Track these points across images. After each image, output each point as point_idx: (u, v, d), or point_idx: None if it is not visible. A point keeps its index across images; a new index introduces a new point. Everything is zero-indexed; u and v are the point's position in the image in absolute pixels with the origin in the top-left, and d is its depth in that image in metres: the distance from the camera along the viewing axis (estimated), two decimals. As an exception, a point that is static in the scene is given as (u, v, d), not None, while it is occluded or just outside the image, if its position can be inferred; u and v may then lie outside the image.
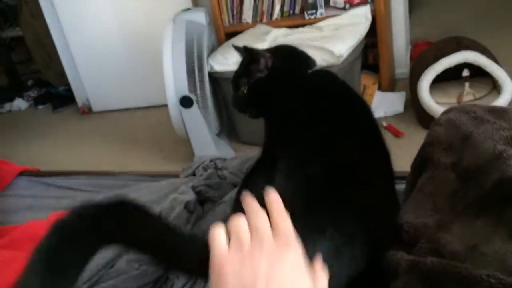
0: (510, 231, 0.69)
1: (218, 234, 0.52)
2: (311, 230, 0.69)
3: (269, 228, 0.51)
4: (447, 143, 0.88)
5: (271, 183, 0.75)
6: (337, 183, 0.77)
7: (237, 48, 1.13)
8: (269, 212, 0.53)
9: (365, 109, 0.94)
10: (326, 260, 0.56)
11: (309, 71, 1.02)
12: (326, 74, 1.05)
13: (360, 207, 0.77)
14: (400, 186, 0.96)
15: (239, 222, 0.52)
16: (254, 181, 0.83)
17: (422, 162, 0.90)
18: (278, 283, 0.47)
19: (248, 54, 1.05)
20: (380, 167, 0.86)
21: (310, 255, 0.53)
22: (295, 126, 0.88)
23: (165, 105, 2.28)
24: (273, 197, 0.55)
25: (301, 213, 0.69)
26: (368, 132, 0.90)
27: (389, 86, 2.66)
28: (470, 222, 0.74)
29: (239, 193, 0.90)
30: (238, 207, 0.83)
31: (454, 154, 0.86)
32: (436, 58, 2.22)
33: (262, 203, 0.55)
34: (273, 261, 0.48)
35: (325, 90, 0.96)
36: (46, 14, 3.22)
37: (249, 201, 0.55)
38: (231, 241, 0.51)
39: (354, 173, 0.80)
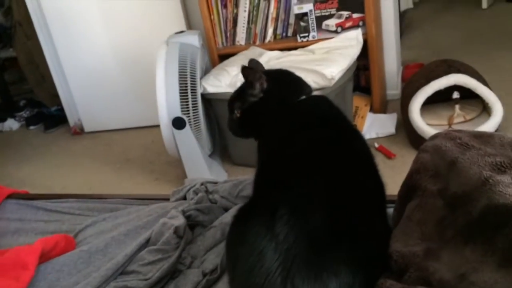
0: (499, 260, 0.69)
1: None
2: (315, 281, 0.70)
3: None
4: (434, 170, 0.88)
5: (271, 230, 0.74)
6: (339, 230, 0.77)
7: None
8: None
9: (359, 139, 0.95)
10: None
11: (303, 97, 1.02)
12: (320, 100, 1.05)
13: (360, 252, 0.76)
14: (390, 210, 0.96)
15: None
16: (253, 227, 0.78)
17: (409, 189, 0.90)
18: None
19: (244, 76, 1.04)
20: (377, 201, 0.86)
21: None
22: (288, 157, 0.88)
23: (158, 126, 2.28)
24: None
25: (303, 265, 0.70)
26: (363, 164, 0.90)
27: (381, 107, 2.68)
28: (459, 250, 0.74)
29: (231, 232, 0.86)
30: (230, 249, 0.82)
31: (441, 181, 0.86)
32: (427, 81, 2.24)
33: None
34: None
35: (318, 118, 0.96)
36: (40, 35, 3.23)
37: None
38: None
39: (354, 214, 0.80)
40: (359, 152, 0.91)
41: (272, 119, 0.99)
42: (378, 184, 0.89)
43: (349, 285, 0.73)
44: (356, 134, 0.97)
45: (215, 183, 1.27)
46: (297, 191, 0.80)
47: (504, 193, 0.75)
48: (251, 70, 1.03)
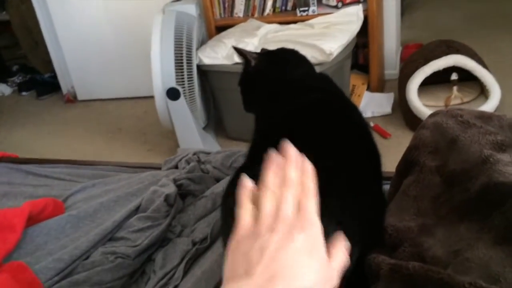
0: (494, 237, 0.68)
1: (244, 211, 0.52)
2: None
3: (291, 207, 0.51)
4: (433, 147, 0.87)
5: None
6: (336, 184, 0.75)
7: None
8: (300, 190, 0.53)
9: (357, 113, 0.93)
10: None
11: (302, 74, 1.01)
12: (319, 77, 1.04)
13: (358, 211, 0.75)
14: (385, 187, 0.94)
15: (266, 199, 0.52)
16: None
17: (407, 165, 0.88)
18: (280, 266, 0.47)
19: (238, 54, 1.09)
20: (373, 169, 0.85)
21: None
22: (283, 125, 0.86)
23: (152, 97, 2.24)
24: (306, 166, 0.55)
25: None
26: (360, 134, 0.88)
27: (378, 86, 2.65)
28: (454, 226, 0.73)
29: (225, 197, 0.85)
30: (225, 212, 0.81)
31: (440, 158, 0.85)
32: (426, 61, 2.21)
33: None
34: (283, 243, 0.48)
35: (314, 90, 0.94)
36: (33, -1, 3.15)
37: (288, 154, 0.55)
38: (254, 217, 0.51)
39: (350, 176, 0.78)
40: (357, 123, 0.89)
41: (266, 94, 1.00)
42: (375, 154, 0.87)
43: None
44: (354, 108, 0.96)
45: (208, 153, 1.25)
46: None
47: (503, 171, 0.73)
48: (240, 49, 1.08)
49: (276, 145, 0.82)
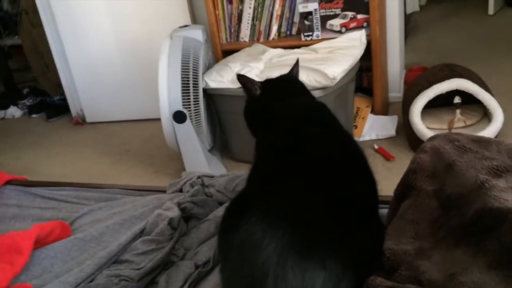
0: (489, 261, 0.69)
1: None
2: (310, 266, 0.71)
3: None
4: (431, 171, 0.89)
5: (267, 222, 0.75)
6: (330, 225, 0.77)
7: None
8: None
9: (350, 141, 0.96)
10: None
11: (299, 102, 1.06)
12: (316, 105, 1.08)
13: (351, 247, 0.77)
14: (384, 210, 0.96)
15: None
16: (249, 218, 0.78)
17: (405, 188, 0.90)
18: None
19: (240, 83, 1.17)
20: (368, 199, 0.87)
21: None
22: (280, 154, 0.90)
23: (159, 119, 2.28)
24: None
25: (295, 259, 0.70)
26: (354, 163, 0.91)
27: (383, 109, 2.68)
28: (450, 250, 0.74)
29: (224, 222, 0.88)
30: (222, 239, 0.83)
31: (437, 182, 0.86)
32: (429, 84, 2.24)
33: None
34: None
35: (309, 120, 0.98)
36: (45, 24, 3.24)
37: None
38: None
39: (346, 210, 0.80)
40: (350, 153, 0.92)
41: (265, 120, 1.06)
42: (370, 183, 0.89)
43: (339, 277, 0.73)
44: (347, 137, 0.99)
45: (212, 177, 1.28)
46: (290, 187, 0.80)
47: (498, 197, 0.75)
48: (245, 76, 1.17)
49: (273, 175, 0.85)
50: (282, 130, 0.96)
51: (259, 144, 1.01)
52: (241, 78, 1.16)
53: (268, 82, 1.18)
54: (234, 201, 0.87)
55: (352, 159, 0.91)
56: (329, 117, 1.02)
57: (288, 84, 1.16)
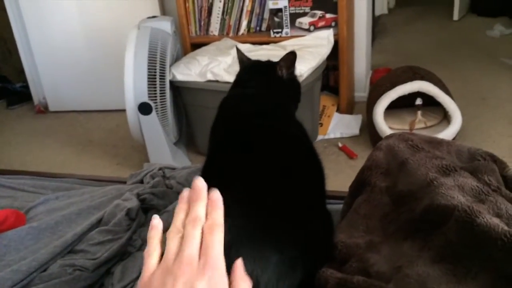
0: (434, 255, 0.72)
1: (151, 253, 0.53)
2: (265, 249, 0.71)
3: (196, 247, 0.51)
4: (385, 168, 0.91)
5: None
6: (282, 212, 0.78)
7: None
8: (206, 225, 0.53)
9: (296, 127, 0.98)
10: (273, 281, 0.64)
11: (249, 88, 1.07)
12: (272, 98, 1.09)
13: (299, 230, 0.78)
14: (339, 206, 0.98)
15: (170, 240, 0.52)
16: None
17: (359, 184, 0.92)
18: None
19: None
20: (316, 185, 0.89)
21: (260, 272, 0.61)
22: (227, 145, 0.91)
23: (124, 110, 2.25)
24: (215, 200, 0.55)
25: (249, 245, 0.71)
26: (300, 151, 0.93)
27: (348, 108, 2.73)
28: (398, 244, 0.77)
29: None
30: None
31: (390, 179, 0.89)
32: (392, 85, 2.30)
33: None
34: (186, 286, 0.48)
35: (262, 115, 0.99)
36: (8, 8, 3.14)
37: (197, 189, 0.55)
38: (162, 259, 0.52)
39: (296, 198, 0.82)
40: (295, 140, 0.94)
41: (220, 106, 1.08)
42: (318, 170, 0.92)
43: (292, 261, 0.74)
44: (291, 124, 1.01)
45: (173, 168, 1.27)
46: (241, 177, 0.81)
47: (446, 194, 0.78)
48: (240, 51, 1.25)
49: (220, 167, 0.86)
50: (225, 119, 0.98)
51: (212, 131, 1.02)
52: (238, 52, 1.23)
53: (245, 65, 1.19)
54: None
55: (299, 148, 0.93)
56: (278, 109, 1.03)
57: (253, 70, 1.16)
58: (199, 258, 0.51)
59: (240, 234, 0.71)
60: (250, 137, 0.90)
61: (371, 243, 0.79)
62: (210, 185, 0.83)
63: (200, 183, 0.56)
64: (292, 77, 1.17)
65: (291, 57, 1.13)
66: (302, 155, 0.93)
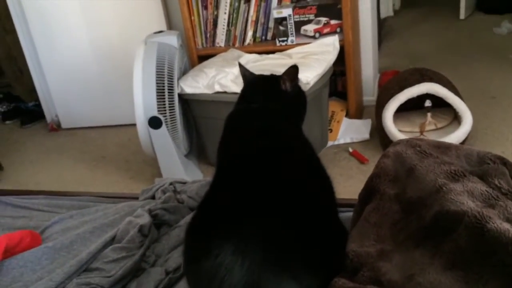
0: (445, 262, 0.72)
1: None
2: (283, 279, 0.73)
3: None
4: (393, 175, 0.92)
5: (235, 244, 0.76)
6: (294, 236, 0.79)
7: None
8: None
9: (302, 145, 0.98)
10: None
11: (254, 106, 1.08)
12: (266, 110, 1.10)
13: (317, 255, 0.80)
14: (349, 214, 0.99)
15: None
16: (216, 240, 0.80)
17: (369, 192, 0.93)
18: None
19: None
20: (327, 202, 0.89)
21: None
22: (237, 166, 0.92)
23: (135, 125, 2.27)
24: None
25: (267, 275, 0.72)
26: (308, 169, 0.93)
27: (357, 113, 2.72)
28: (409, 252, 0.77)
29: (193, 219, 0.90)
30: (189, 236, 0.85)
31: (399, 186, 0.89)
32: (400, 88, 2.29)
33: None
34: None
35: (265, 134, 1.00)
36: (18, 30, 3.20)
37: None
38: None
39: (306, 218, 0.82)
40: (302, 159, 0.94)
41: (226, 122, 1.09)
42: (326, 186, 0.92)
43: (308, 285, 0.75)
44: (297, 142, 1.01)
45: (184, 183, 1.29)
46: (249, 204, 0.82)
47: (455, 200, 0.78)
48: (242, 67, 1.25)
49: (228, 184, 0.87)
50: (231, 136, 0.99)
51: (218, 150, 1.03)
52: (240, 67, 1.25)
53: (248, 80, 1.21)
54: (195, 217, 0.89)
55: (305, 166, 0.93)
56: (283, 123, 1.04)
57: (257, 85, 1.17)
58: None
59: (260, 271, 0.73)
60: (257, 160, 0.90)
61: (382, 252, 0.80)
62: (219, 211, 0.83)
63: None
64: (296, 90, 1.17)
65: (294, 70, 1.13)
66: (309, 172, 0.93)
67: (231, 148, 0.98)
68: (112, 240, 1.07)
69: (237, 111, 1.11)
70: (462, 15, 4.29)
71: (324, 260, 0.79)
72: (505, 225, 0.69)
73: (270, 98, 1.11)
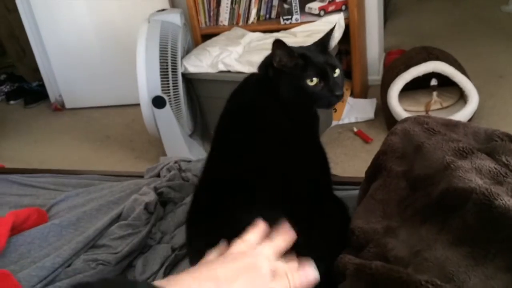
0: (451, 238, 0.72)
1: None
2: None
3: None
4: (401, 152, 0.91)
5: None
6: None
7: None
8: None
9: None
10: None
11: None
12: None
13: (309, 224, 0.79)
14: (355, 192, 0.98)
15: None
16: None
17: (375, 169, 0.92)
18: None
19: None
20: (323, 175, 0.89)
21: None
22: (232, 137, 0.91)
23: (139, 105, 2.27)
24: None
25: None
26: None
27: (362, 92, 2.70)
28: (416, 228, 0.77)
29: (196, 193, 0.91)
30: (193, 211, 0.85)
31: (406, 163, 0.89)
32: (406, 67, 2.27)
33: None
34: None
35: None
36: (20, 8, 3.17)
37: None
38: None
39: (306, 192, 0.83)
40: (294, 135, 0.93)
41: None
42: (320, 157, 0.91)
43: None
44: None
45: (189, 161, 1.29)
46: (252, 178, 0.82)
47: (463, 177, 0.77)
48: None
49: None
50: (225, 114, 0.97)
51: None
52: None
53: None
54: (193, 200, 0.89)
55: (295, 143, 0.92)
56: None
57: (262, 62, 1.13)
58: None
59: None
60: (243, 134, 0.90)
61: (388, 228, 0.79)
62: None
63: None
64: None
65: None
66: (301, 147, 0.92)
67: (224, 124, 0.96)
68: (118, 217, 1.07)
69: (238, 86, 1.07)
70: (469, -7, 4.22)
71: (327, 242, 0.79)
72: (513, 202, 0.68)
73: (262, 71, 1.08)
